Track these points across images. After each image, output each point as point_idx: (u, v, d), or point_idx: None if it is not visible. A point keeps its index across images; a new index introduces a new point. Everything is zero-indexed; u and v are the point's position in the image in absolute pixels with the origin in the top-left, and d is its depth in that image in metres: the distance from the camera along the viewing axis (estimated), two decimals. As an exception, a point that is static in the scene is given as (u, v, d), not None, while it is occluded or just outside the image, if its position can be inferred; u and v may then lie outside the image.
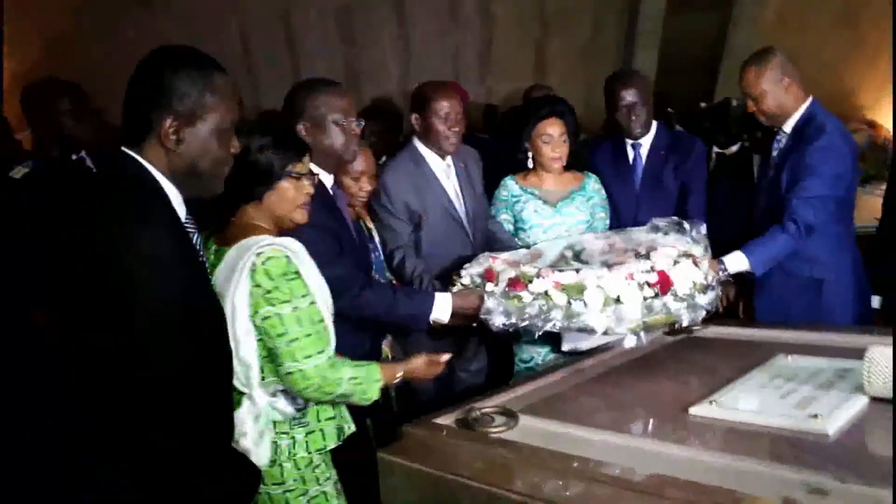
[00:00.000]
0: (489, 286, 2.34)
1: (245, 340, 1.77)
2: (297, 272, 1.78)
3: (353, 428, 2.00)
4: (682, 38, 8.25)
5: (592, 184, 2.99)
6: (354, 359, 1.96)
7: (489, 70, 7.99)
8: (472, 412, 1.76)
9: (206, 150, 1.54)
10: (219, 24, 6.40)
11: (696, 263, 2.22)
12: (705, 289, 2.20)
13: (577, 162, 2.98)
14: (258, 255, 1.74)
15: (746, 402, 1.75)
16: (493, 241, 2.86)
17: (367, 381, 1.88)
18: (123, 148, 1.52)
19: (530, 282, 2.22)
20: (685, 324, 2.19)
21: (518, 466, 1.52)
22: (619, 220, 3.08)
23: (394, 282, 2.70)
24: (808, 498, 1.25)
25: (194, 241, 1.60)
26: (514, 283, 2.26)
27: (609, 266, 2.24)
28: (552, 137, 2.83)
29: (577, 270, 2.24)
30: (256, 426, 1.79)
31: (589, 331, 2.16)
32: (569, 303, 2.14)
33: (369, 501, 1.77)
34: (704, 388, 1.87)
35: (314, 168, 2.20)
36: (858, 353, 1.72)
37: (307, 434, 1.89)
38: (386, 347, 2.59)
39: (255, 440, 1.78)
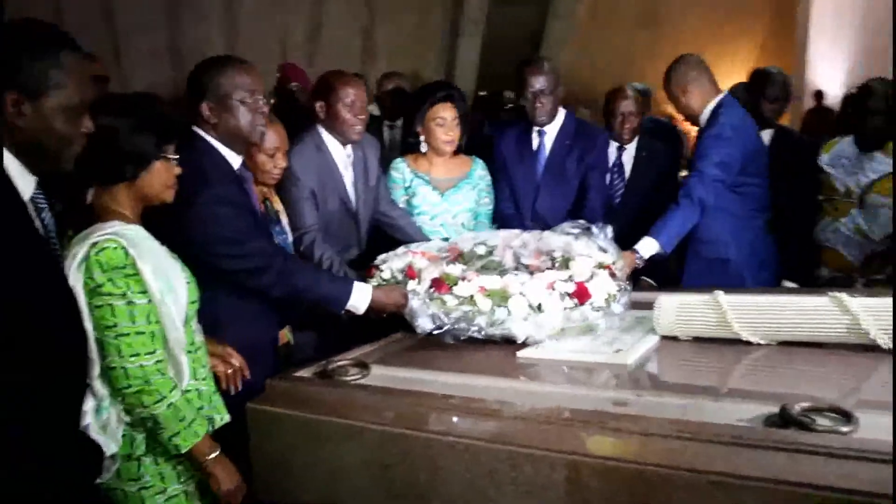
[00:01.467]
0: (411, 284, 2.31)
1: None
2: (134, 265, 1.70)
3: (226, 419, 1.92)
4: (504, 28, 8.71)
5: (479, 170, 3.13)
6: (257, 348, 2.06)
7: (317, 53, 7.98)
8: (329, 365, 1.94)
9: (49, 127, 1.51)
10: (30, -8, 6.00)
11: (612, 274, 2.25)
12: (618, 298, 2.23)
13: None
14: (93, 245, 1.68)
15: (565, 344, 2.07)
16: (397, 231, 2.93)
17: (187, 424, 1.75)
18: None
19: (455, 284, 2.23)
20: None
21: (374, 403, 1.72)
22: (519, 205, 3.17)
23: None
24: (614, 408, 1.55)
25: (42, 217, 1.56)
26: (438, 284, 2.25)
27: (529, 270, 2.28)
28: (445, 121, 2.96)
29: (501, 274, 2.25)
30: (98, 419, 1.75)
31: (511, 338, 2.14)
32: (493, 309, 2.14)
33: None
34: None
35: (221, 149, 2.19)
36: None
37: None
38: (288, 332, 2.62)
39: (97, 432, 1.74)
